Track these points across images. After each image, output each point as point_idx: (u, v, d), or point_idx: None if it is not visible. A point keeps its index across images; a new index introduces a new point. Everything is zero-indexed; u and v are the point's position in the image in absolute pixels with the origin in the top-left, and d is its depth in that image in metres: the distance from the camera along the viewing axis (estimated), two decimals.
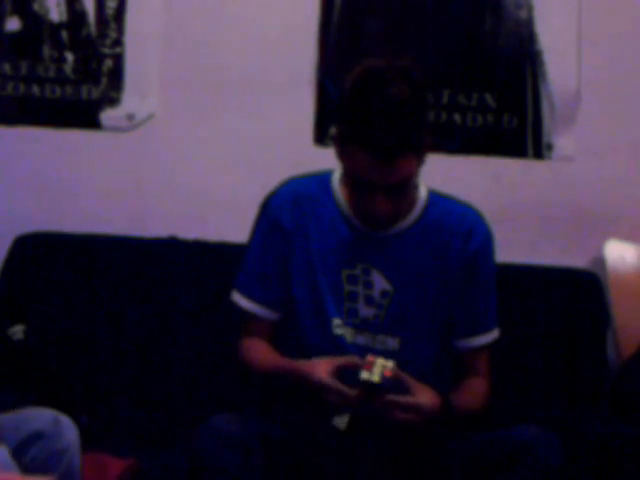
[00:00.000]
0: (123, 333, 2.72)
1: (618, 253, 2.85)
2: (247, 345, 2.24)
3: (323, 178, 2.25)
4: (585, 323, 2.75)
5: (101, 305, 2.73)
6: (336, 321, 2.17)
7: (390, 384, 1.99)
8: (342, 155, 2.10)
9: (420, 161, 2.08)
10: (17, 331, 2.59)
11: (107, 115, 2.95)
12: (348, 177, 2.12)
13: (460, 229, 2.21)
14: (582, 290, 2.78)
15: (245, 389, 2.37)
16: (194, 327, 2.71)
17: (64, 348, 2.68)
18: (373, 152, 1.99)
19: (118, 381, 2.67)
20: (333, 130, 2.16)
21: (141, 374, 2.68)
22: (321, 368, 2.02)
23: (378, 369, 1.98)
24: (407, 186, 2.09)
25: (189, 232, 2.83)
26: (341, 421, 2.04)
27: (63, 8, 2.94)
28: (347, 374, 2.02)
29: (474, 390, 2.22)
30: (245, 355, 2.23)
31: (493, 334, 2.26)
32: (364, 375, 1.97)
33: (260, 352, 2.22)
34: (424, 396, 2.03)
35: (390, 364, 1.99)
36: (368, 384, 1.97)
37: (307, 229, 2.20)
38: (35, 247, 2.78)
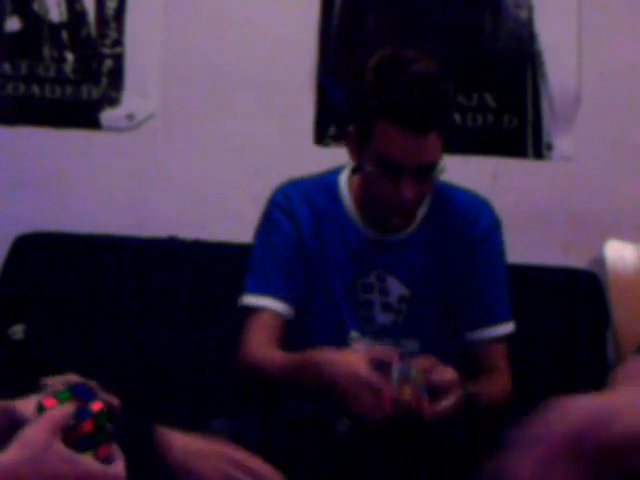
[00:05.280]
0: (123, 333, 2.72)
1: (618, 253, 2.85)
2: (257, 348, 2.09)
3: (328, 181, 2.20)
4: (585, 323, 2.75)
5: (101, 305, 2.73)
6: (353, 334, 2.14)
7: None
8: (364, 145, 2.03)
9: (444, 146, 2.03)
10: (17, 331, 2.59)
11: (107, 115, 2.95)
12: (373, 164, 2.03)
13: (465, 219, 2.17)
14: (582, 290, 2.78)
15: (245, 393, 2.36)
16: (194, 327, 2.71)
17: (64, 348, 2.68)
18: (406, 125, 1.95)
19: (117, 381, 2.67)
20: (347, 126, 2.10)
21: (141, 375, 2.68)
22: (359, 363, 1.85)
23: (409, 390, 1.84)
24: (432, 172, 2.03)
25: (189, 232, 2.83)
26: (343, 425, 2.03)
27: (63, 8, 2.94)
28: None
29: (491, 385, 2.14)
30: (253, 355, 2.08)
31: (507, 327, 2.19)
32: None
33: (271, 351, 2.08)
34: (457, 391, 1.91)
35: (420, 378, 1.86)
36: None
37: (320, 237, 2.15)
38: (35, 247, 2.78)
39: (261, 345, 2.09)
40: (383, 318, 2.14)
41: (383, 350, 1.93)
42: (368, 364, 1.85)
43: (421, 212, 2.17)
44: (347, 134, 2.12)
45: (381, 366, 1.86)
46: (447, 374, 1.91)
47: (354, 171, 2.20)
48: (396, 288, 2.15)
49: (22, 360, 2.57)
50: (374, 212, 2.14)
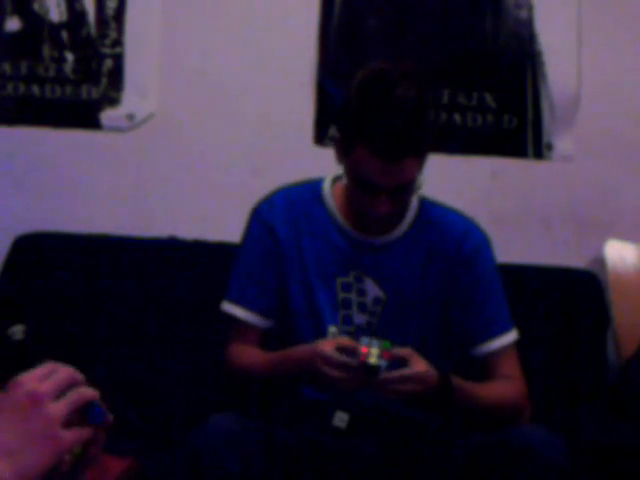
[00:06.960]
0: (123, 333, 2.72)
1: (618, 253, 2.85)
2: (238, 351, 2.21)
3: (314, 187, 2.25)
4: (585, 323, 2.75)
5: (101, 305, 2.73)
6: (332, 329, 2.17)
7: (388, 364, 1.97)
8: (345, 157, 2.09)
9: (422, 164, 2.07)
10: (17, 331, 2.59)
11: (107, 115, 2.95)
12: (350, 178, 2.10)
13: (453, 234, 2.21)
14: (582, 290, 2.78)
15: (244, 390, 2.37)
16: (194, 327, 2.71)
17: (64, 348, 2.68)
18: (379, 153, 1.98)
19: (118, 381, 2.67)
20: (335, 132, 2.16)
21: (141, 374, 2.68)
22: (324, 344, 2.01)
23: (375, 351, 1.96)
24: (409, 189, 2.09)
25: (189, 232, 2.84)
26: (342, 420, 2.04)
27: (63, 8, 2.94)
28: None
29: (494, 386, 2.17)
30: (236, 361, 2.21)
31: (510, 336, 2.22)
32: (362, 358, 1.96)
33: (252, 355, 2.20)
34: (420, 365, 2.00)
35: (387, 344, 1.98)
36: (366, 366, 1.95)
37: (300, 237, 2.20)
38: (35, 247, 2.78)
39: (236, 350, 2.21)
40: (360, 319, 2.18)
41: (350, 340, 2.04)
42: (334, 347, 1.99)
43: (407, 220, 2.20)
44: (334, 140, 2.18)
45: (348, 351, 1.99)
46: (415, 360, 1.99)
47: (336, 179, 2.25)
48: (372, 290, 2.18)
49: (22, 360, 2.57)
50: (354, 217, 2.19)
